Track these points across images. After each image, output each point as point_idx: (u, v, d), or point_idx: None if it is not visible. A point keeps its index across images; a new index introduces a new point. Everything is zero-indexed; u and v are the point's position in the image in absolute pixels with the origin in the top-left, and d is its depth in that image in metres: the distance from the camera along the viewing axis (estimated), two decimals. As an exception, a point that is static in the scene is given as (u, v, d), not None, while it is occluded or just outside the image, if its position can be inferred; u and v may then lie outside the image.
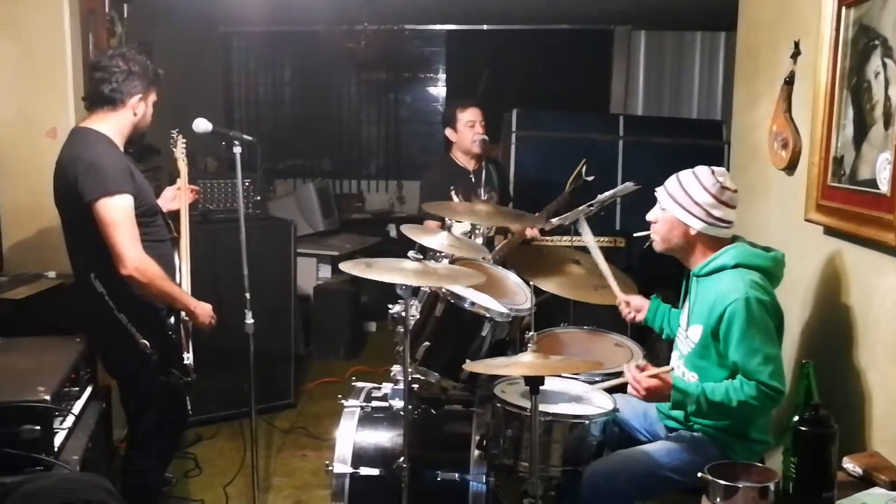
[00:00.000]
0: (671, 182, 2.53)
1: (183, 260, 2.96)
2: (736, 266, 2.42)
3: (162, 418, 2.90)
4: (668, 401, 2.39)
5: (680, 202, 2.48)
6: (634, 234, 2.72)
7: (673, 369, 2.47)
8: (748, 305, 2.33)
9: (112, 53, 2.81)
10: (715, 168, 2.50)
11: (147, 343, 2.69)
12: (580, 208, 3.74)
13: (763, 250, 2.50)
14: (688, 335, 2.56)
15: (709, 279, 2.49)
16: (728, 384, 2.36)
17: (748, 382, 2.32)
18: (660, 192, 2.55)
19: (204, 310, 2.88)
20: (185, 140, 3.27)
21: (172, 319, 2.82)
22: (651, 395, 2.38)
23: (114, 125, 2.77)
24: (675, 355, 2.68)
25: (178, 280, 2.90)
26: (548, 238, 4.47)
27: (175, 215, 3.08)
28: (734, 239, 2.54)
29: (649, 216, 2.59)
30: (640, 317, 2.92)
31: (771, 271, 2.46)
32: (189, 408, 2.99)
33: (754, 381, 2.31)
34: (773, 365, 2.32)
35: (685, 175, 2.51)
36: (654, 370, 2.41)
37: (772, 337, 2.37)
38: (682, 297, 2.70)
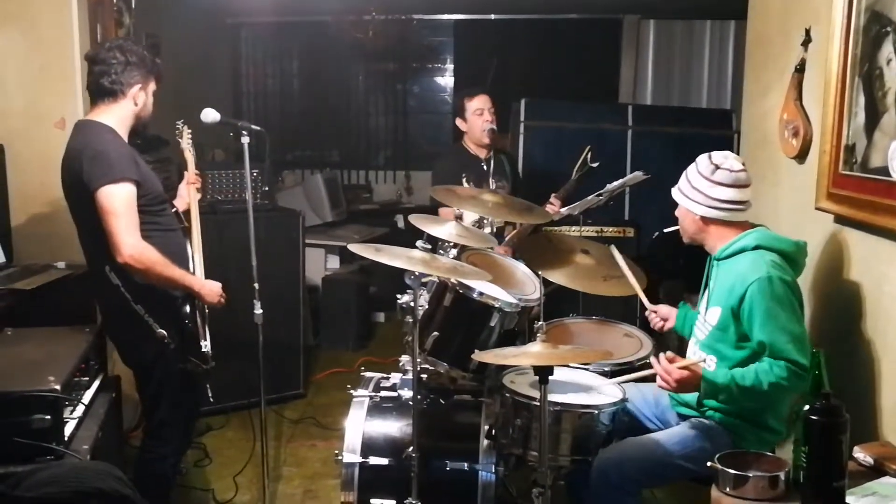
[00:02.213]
0: (682, 175, 2.57)
1: (196, 250, 2.96)
2: (756, 248, 2.43)
3: (178, 407, 2.91)
4: (698, 391, 2.38)
5: (683, 191, 2.54)
6: (664, 230, 2.73)
7: (704, 360, 2.45)
8: (771, 284, 2.33)
9: (109, 46, 2.82)
10: (715, 152, 2.52)
11: (165, 333, 2.70)
12: (589, 198, 3.74)
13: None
14: (706, 319, 2.56)
15: (728, 261, 2.49)
16: (757, 367, 2.33)
17: (777, 363, 2.30)
18: (674, 191, 2.59)
19: (210, 290, 2.86)
20: (190, 131, 3.26)
21: (188, 307, 2.83)
22: (682, 387, 2.37)
23: (116, 116, 2.78)
24: (691, 342, 2.68)
25: (191, 269, 2.90)
26: (557, 228, 4.46)
27: (188, 209, 3.08)
28: (753, 226, 2.54)
29: (676, 212, 2.63)
30: (668, 325, 2.92)
31: (792, 256, 2.46)
32: (210, 396, 2.99)
33: (783, 359, 2.29)
34: (801, 343, 2.31)
35: (690, 166, 2.56)
36: (684, 361, 2.40)
37: (797, 315, 2.36)
38: (703, 283, 2.69)
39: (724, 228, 2.51)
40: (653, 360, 2.45)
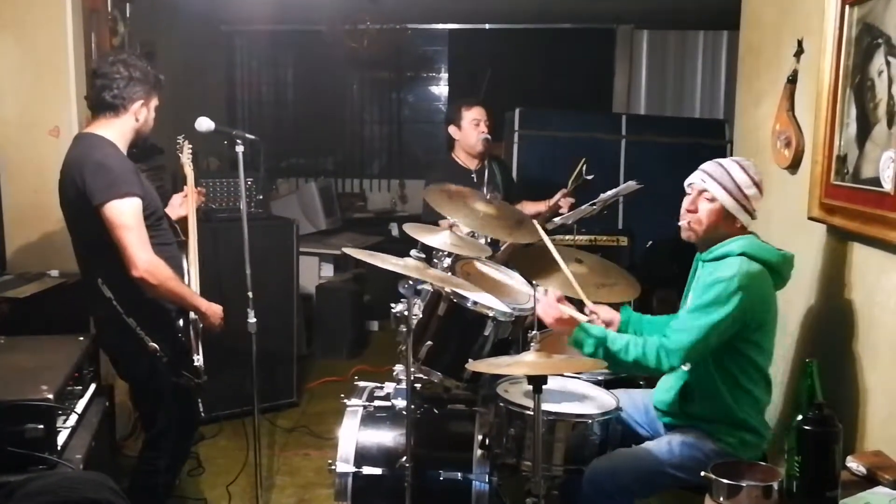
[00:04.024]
0: (716, 168, 2.48)
1: (191, 263, 2.96)
2: (741, 255, 2.42)
3: (175, 419, 2.91)
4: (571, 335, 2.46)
5: (723, 184, 2.45)
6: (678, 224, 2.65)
7: (589, 319, 2.54)
8: (727, 289, 2.34)
9: (113, 59, 2.81)
10: (752, 165, 2.50)
11: (157, 346, 2.69)
12: (583, 207, 3.75)
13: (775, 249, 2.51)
14: None
15: (712, 264, 2.49)
16: (631, 339, 2.43)
17: (656, 342, 2.38)
18: (707, 182, 2.46)
19: (214, 311, 2.88)
20: (191, 146, 3.27)
21: (181, 321, 2.82)
22: (557, 326, 2.51)
23: (117, 131, 2.77)
24: None
25: (186, 283, 2.90)
26: (550, 237, 4.46)
27: (182, 220, 3.08)
28: (745, 231, 2.53)
29: (688, 205, 2.52)
30: (612, 328, 2.79)
31: (776, 267, 2.45)
32: (201, 409, 2.99)
33: (666, 341, 2.37)
34: (692, 342, 2.35)
35: (727, 161, 2.49)
36: (570, 308, 2.51)
37: (719, 324, 2.35)
38: (687, 282, 2.69)
39: (730, 229, 2.49)
40: (540, 289, 2.53)
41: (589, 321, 2.55)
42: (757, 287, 2.39)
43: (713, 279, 2.39)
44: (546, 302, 2.52)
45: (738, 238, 2.48)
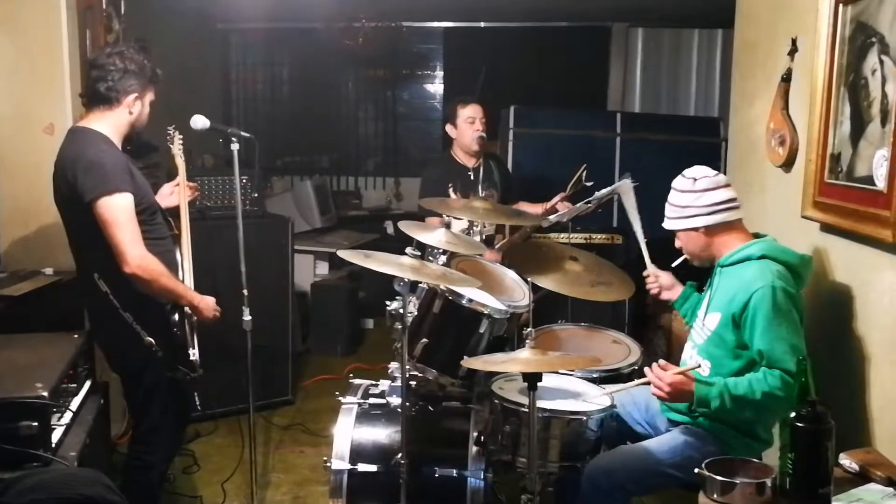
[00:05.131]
0: (667, 207, 2.60)
1: (185, 257, 2.96)
2: (762, 258, 2.44)
3: (167, 414, 2.90)
4: (691, 400, 2.37)
5: (675, 216, 2.56)
6: (672, 265, 2.73)
7: (698, 366, 2.44)
8: (774, 294, 2.34)
9: (110, 52, 2.79)
10: (685, 171, 2.57)
11: (153, 341, 2.69)
12: (578, 205, 3.76)
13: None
14: (705, 324, 2.57)
15: (733, 269, 2.51)
16: (751, 376, 2.34)
17: (772, 372, 2.31)
18: (667, 223, 2.61)
19: (207, 304, 2.87)
20: (181, 137, 3.26)
21: (177, 316, 2.82)
22: (675, 394, 2.37)
23: (110, 124, 2.76)
24: (688, 345, 2.69)
25: (180, 277, 2.90)
26: (546, 235, 4.47)
27: (174, 212, 3.08)
28: (756, 235, 2.57)
29: (677, 244, 2.64)
30: (664, 295, 2.91)
31: (797, 269, 2.47)
32: (198, 403, 2.98)
33: (779, 369, 2.30)
34: (798, 354, 2.30)
35: (669, 195, 2.58)
36: (677, 368, 2.41)
37: (797, 327, 2.37)
38: (705, 287, 2.71)
39: (727, 235, 2.53)
40: (646, 369, 2.45)
41: (696, 367, 2.42)
42: (791, 283, 2.41)
43: (750, 294, 2.37)
44: (655, 374, 2.38)
45: (755, 242, 2.51)
